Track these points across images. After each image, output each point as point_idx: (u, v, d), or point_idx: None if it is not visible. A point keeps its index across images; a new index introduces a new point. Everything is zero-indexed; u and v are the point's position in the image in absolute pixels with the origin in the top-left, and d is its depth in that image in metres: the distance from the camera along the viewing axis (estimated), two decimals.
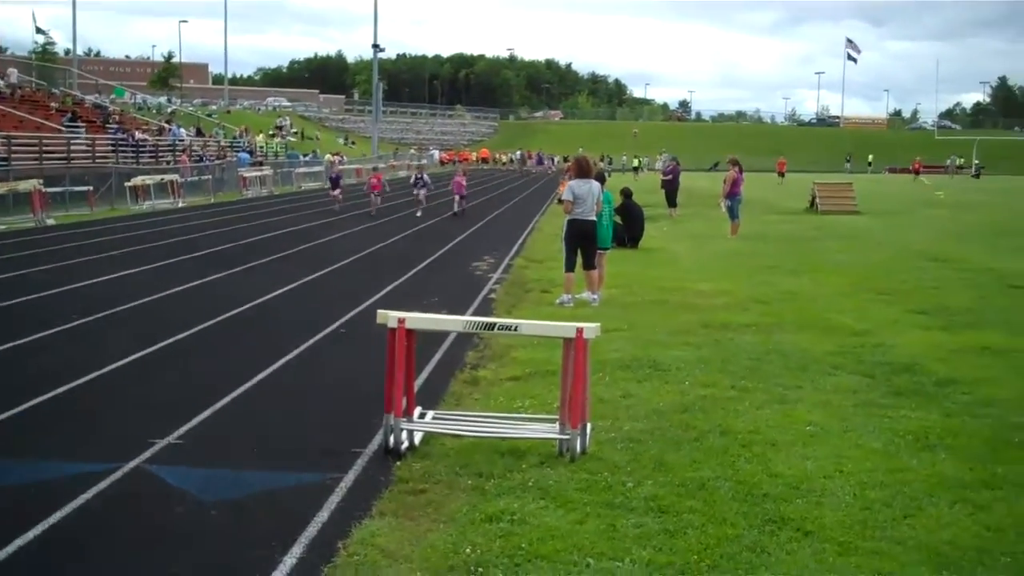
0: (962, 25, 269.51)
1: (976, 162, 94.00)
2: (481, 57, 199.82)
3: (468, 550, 5.36)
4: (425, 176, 34.85)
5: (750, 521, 5.79)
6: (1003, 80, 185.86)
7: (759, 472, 6.65)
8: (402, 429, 7.14)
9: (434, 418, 7.77)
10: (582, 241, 13.90)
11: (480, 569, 5.13)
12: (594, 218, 13.91)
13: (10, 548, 5.38)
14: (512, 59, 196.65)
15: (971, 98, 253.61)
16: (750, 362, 10.12)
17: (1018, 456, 7.08)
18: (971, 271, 18.09)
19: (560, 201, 14.92)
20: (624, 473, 6.63)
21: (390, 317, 7.16)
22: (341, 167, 60.63)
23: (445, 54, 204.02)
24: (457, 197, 32.98)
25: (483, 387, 9.20)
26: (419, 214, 32.22)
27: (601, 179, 14.54)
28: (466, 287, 16.23)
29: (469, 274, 18.09)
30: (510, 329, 7.48)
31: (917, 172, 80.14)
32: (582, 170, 13.99)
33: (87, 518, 5.90)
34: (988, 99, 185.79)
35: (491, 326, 7.57)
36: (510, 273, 18.13)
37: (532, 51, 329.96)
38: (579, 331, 6.97)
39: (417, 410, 7.70)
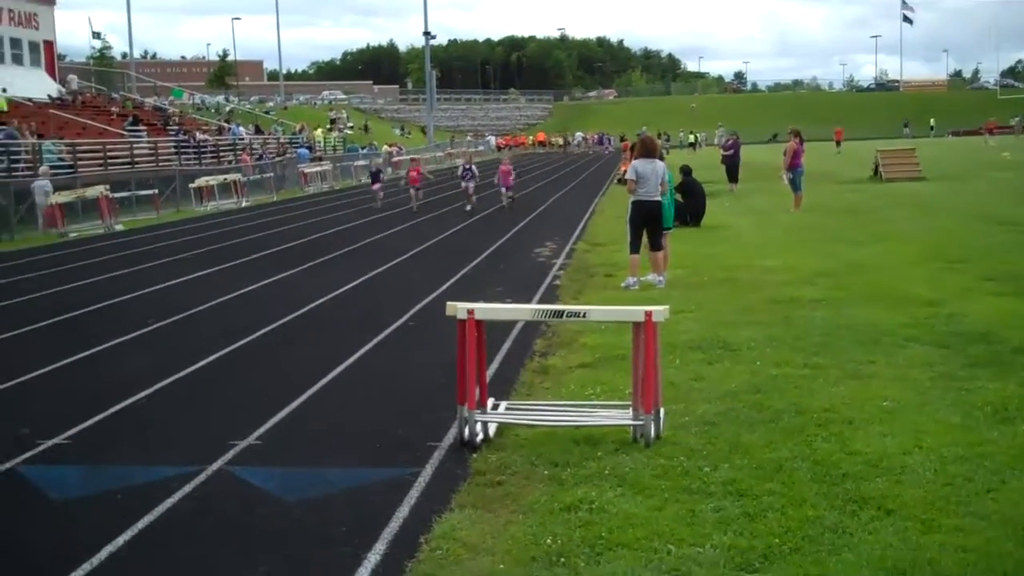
0: None
1: None
2: (532, 39, 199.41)
3: (549, 540, 5.40)
4: (473, 167, 30.97)
5: (831, 501, 5.75)
6: None
7: (837, 451, 6.60)
8: (476, 421, 7.18)
9: (507, 409, 7.81)
10: (647, 222, 13.83)
11: (562, 559, 5.16)
12: (659, 198, 13.81)
13: (101, 554, 5.50)
14: (563, 39, 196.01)
15: None
16: (821, 338, 10.04)
17: None
18: None
19: (621, 181, 14.89)
20: (700, 457, 6.62)
21: (459, 308, 7.20)
22: (399, 158, 60.96)
23: (496, 37, 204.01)
24: (503, 189, 30.27)
25: (553, 375, 9.23)
26: (468, 208, 29.66)
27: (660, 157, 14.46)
28: (530, 274, 16.24)
29: (532, 261, 18.11)
30: (578, 316, 7.50)
31: (992, 133, 76.96)
32: (647, 149, 13.91)
33: (173, 522, 6.01)
34: None
35: (559, 314, 7.59)
36: (573, 258, 18.13)
37: (583, 30, 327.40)
38: (648, 315, 6.95)
39: (490, 401, 7.74)
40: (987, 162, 45.21)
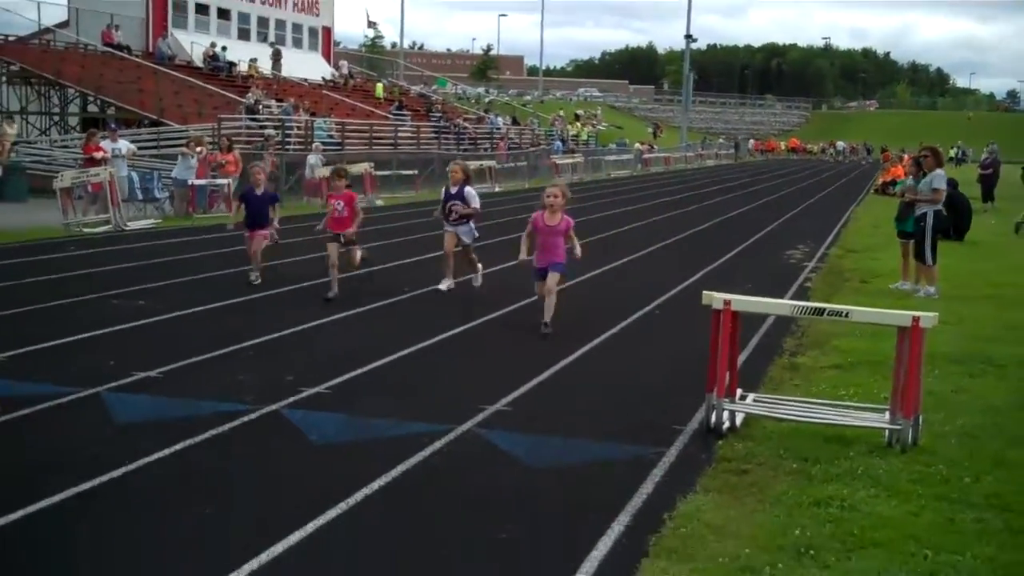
0: None
1: None
2: (794, 46, 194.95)
3: (797, 532, 5.27)
4: (469, 192, 13.45)
5: None
6: None
7: None
8: (724, 409, 7.10)
9: (755, 400, 7.68)
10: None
11: (811, 552, 5.03)
12: None
13: (357, 496, 5.75)
14: (827, 48, 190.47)
15: None
16: None
17: None
18: None
19: (880, 191, 14.45)
20: (960, 468, 6.32)
21: (715, 298, 7.11)
22: (649, 156, 60.70)
23: (756, 44, 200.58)
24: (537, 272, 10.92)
25: (803, 373, 9.01)
26: (477, 283, 13.64)
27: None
28: (780, 275, 15.86)
29: (783, 262, 17.69)
30: (840, 315, 7.26)
31: None
32: (941, 160, 14.04)
33: (424, 475, 6.21)
34: None
35: (820, 311, 7.37)
36: (826, 262, 17.61)
37: (848, 41, 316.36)
38: (915, 320, 6.69)
39: (738, 392, 7.62)
40: None
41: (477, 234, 13.45)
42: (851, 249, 19.57)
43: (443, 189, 13.51)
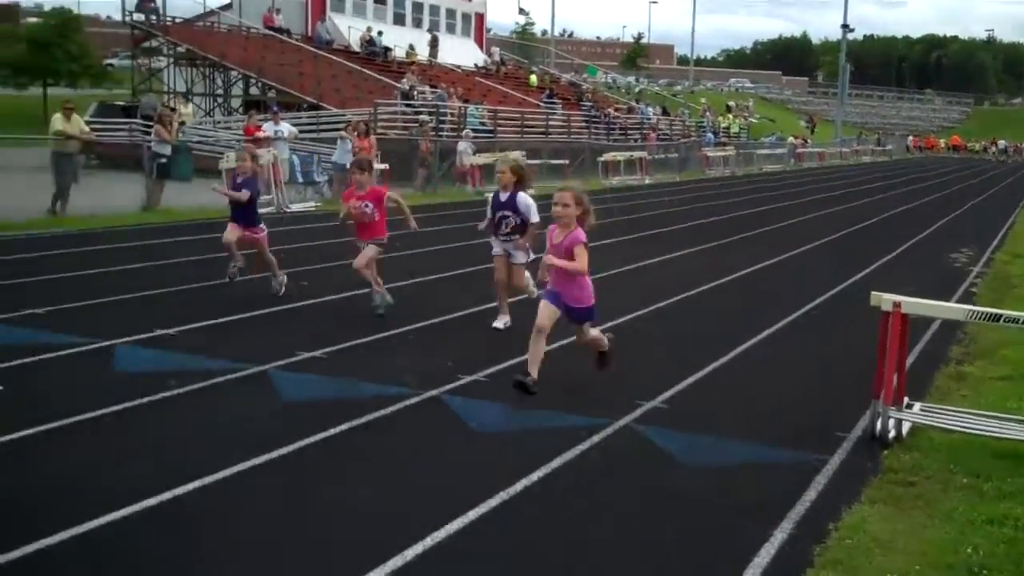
0: None
1: None
2: (955, 39, 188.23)
3: (969, 551, 5.11)
4: (523, 204, 9.95)
5: None
6: None
7: None
8: (891, 417, 6.92)
9: (921, 410, 7.46)
10: None
11: (984, 572, 4.87)
12: None
13: (516, 486, 5.80)
14: (990, 40, 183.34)
15: None
16: None
17: None
18: None
19: None
20: None
21: (884, 300, 6.93)
22: (802, 151, 59.27)
23: (915, 35, 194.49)
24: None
25: (971, 384, 8.72)
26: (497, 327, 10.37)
27: None
28: (943, 279, 15.36)
29: (946, 266, 17.13)
30: (1018, 322, 6.98)
31: None
32: None
33: (582, 468, 6.23)
34: None
35: (996, 317, 7.09)
36: (991, 267, 16.98)
37: (1012, 34, 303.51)
38: None
39: (904, 400, 7.41)
40: None
41: (532, 255, 10.12)
42: (1018, 254, 18.82)
43: (492, 195, 10.35)
